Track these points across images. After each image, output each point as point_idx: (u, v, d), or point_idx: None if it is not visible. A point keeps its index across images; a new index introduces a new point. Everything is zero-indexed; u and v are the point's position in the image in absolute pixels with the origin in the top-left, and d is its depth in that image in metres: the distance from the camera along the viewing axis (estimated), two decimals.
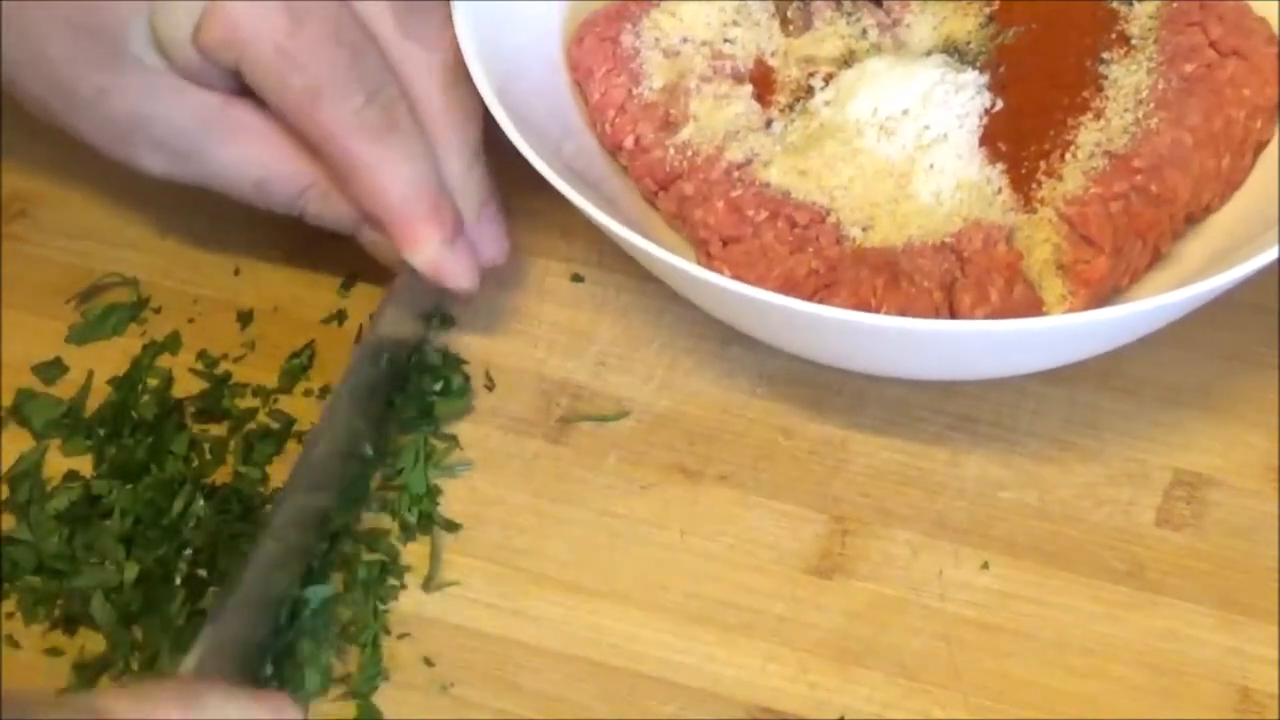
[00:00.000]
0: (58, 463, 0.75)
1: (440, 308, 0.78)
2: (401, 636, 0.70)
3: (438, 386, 0.76)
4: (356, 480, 0.73)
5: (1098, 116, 0.77)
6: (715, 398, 0.76)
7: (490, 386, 0.77)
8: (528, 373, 0.77)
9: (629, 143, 0.79)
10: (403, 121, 0.73)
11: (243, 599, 0.66)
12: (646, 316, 0.78)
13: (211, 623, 0.65)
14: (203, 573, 0.70)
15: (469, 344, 0.78)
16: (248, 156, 0.74)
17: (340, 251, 0.78)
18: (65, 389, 0.77)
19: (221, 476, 0.74)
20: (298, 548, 0.70)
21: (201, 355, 0.78)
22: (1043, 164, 0.76)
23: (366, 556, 0.72)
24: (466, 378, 0.76)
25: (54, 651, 0.70)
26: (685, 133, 0.78)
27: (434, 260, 0.74)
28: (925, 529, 0.72)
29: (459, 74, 0.74)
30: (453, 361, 0.77)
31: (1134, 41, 0.79)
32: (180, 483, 0.73)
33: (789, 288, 0.72)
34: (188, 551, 0.71)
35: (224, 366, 0.77)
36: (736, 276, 0.71)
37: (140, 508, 0.72)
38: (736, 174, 0.77)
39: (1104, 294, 0.74)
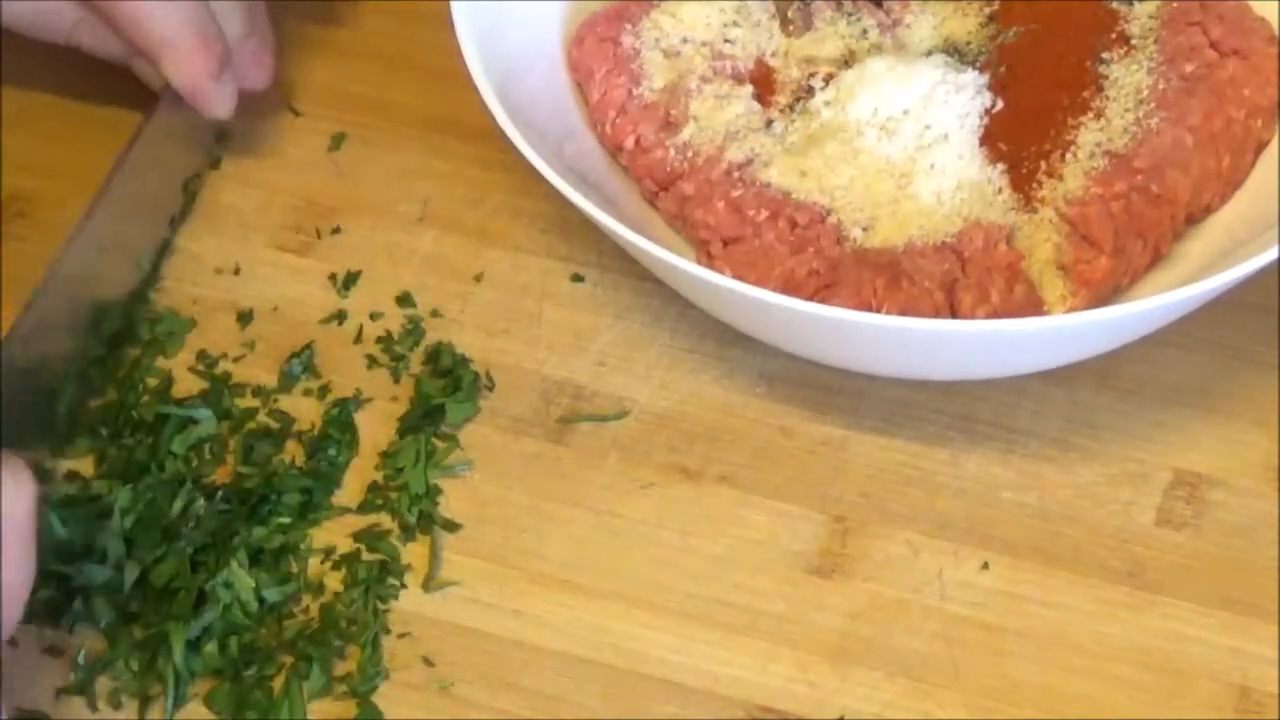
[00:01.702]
0: (58, 463, 0.75)
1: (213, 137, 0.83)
2: (401, 636, 0.70)
3: (447, 386, 0.76)
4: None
5: (1098, 116, 0.77)
6: (715, 398, 0.76)
7: (490, 386, 0.77)
8: (528, 373, 0.77)
9: (629, 143, 0.79)
10: None
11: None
12: (646, 316, 0.78)
13: None
14: (203, 573, 0.70)
15: (469, 344, 0.78)
16: None
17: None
18: None
19: (221, 476, 0.74)
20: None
21: (201, 355, 0.78)
22: (1043, 164, 0.76)
23: (366, 556, 0.72)
24: (476, 376, 0.76)
25: (54, 651, 0.70)
26: (686, 133, 0.78)
27: (195, 90, 0.77)
28: (925, 529, 0.72)
29: None
30: (462, 362, 0.77)
31: (1134, 41, 0.79)
32: (180, 483, 0.73)
33: (790, 288, 0.72)
34: (189, 551, 0.71)
35: (224, 366, 0.77)
36: (737, 277, 0.71)
37: (140, 508, 0.72)
38: (737, 174, 0.77)
39: (1104, 294, 0.74)
